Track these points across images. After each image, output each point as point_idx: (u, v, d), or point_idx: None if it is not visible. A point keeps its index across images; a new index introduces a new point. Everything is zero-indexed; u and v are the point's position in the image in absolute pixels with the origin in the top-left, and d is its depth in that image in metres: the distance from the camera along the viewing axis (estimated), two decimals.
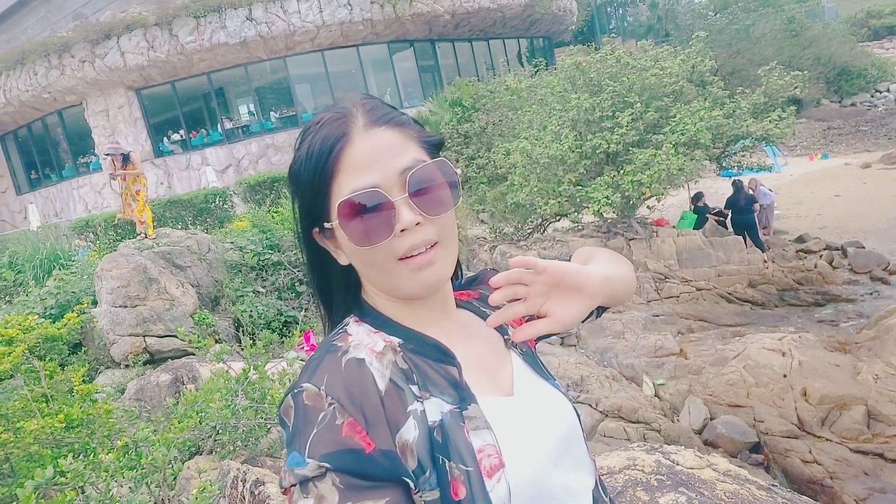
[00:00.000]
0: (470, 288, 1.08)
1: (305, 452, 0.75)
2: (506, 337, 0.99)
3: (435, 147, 0.92)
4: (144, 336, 7.57)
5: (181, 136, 21.12)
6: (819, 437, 6.27)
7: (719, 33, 22.24)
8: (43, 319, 7.21)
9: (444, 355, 0.88)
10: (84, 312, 7.85)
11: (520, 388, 0.94)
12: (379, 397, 0.80)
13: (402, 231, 0.82)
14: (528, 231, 12.88)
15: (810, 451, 6.01)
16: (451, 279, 0.99)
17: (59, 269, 9.13)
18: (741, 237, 11.76)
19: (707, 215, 12.86)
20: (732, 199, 12.49)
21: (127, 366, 7.46)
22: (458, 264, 1.07)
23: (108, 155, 8.95)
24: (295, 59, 20.41)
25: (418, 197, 0.84)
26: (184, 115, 20.98)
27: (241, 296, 8.63)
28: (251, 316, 8.33)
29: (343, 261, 0.90)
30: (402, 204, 0.82)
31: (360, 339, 0.87)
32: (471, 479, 0.79)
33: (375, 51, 21.68)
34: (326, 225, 0.86)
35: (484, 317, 1.00)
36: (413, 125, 0.91)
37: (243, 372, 3.90)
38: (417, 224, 0.83)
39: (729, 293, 10.54)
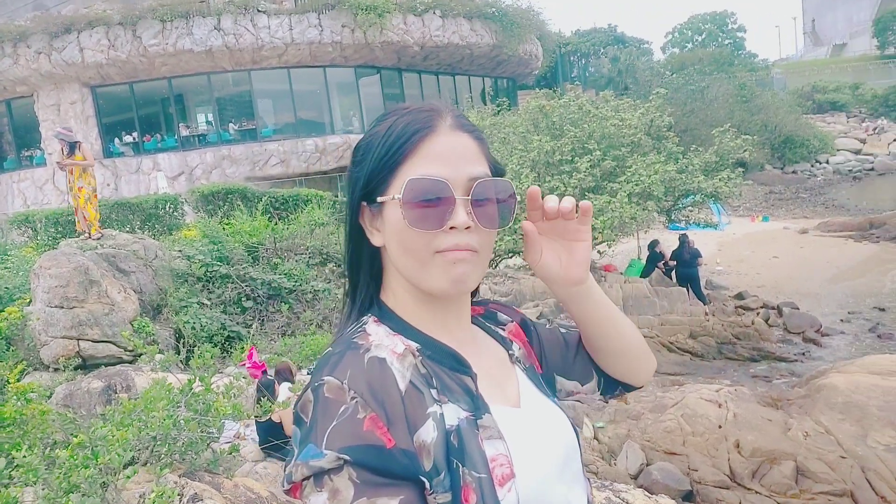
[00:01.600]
0: (485, 307, 1.12)
1: (323, 444, 0.75)
2: (510, 352, 1.03)
3: (499, 173, 0.96)
4: (79, 339, 7.25)
5: (133, 139, 20.60)
6: (749, 489, 6.42)
7: (676, 92, 23.20)
8: None
9: (459, 364, 0.91)
10: (20, 309, 7.50)
11: (526, 401, 0.97)
12: (399, 396, 0.81)
13: (451, 228, 0.85)
14: None
15: (740, 503, 6.16)
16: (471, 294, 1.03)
17: None
18: (685, 289, 12.13)
19: (658, 264, 13.22)
20: (678, 252, 12.90)
21: (56, 369, 7.11)
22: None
23: (56, 137, 8.65)
24: (260, 74, 20.28)
25: (477, 205, 0.87)
26: (139, 117, 20.51)
27: (185, 306, 8.37)
28: (194, 328, 8.08)
29: (377, 241, 0.92)
30: (461, 204, 0.85)
31: (381, 339, 0.88)
32: (483, 486, 0.81)
33: (342, 73, 21.75)
34: (379, 199, 0.88)
35: (489, 332, 1.05)
36: (487, 148, 0.95)
37: (188, 382, 3.77)
38: (467, 228, 0.86)
39: (671, 342, 10.81)
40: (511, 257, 12.94)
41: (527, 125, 11.86)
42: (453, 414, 0.85)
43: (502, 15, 23.18)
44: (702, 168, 11.49)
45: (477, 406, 0.87)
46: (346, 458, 0.74)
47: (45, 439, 3.21)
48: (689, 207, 12.82)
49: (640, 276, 12.73)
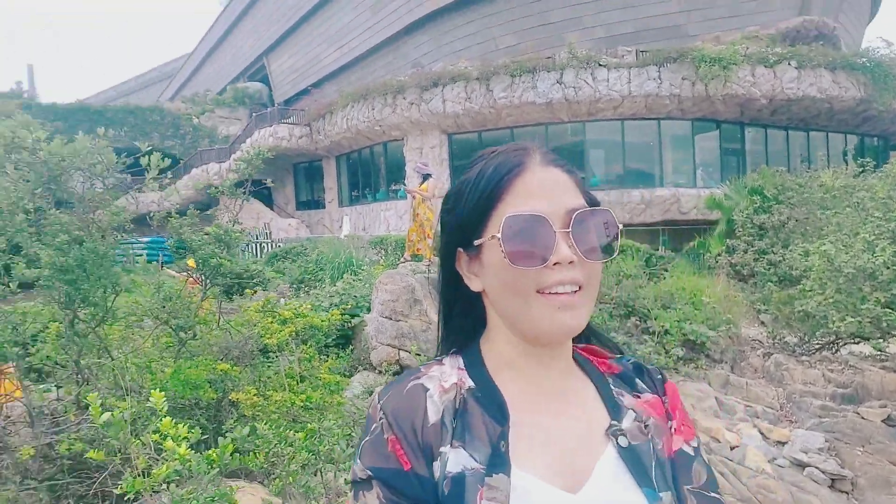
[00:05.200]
0: (624, 366, 0.98)
1: (358, 455, 0.83)
2: (613, 423, 0.88)
3: (594, 205, 0.91)
4: (399, 349, 8.27)
5: None
6: None
7: None
8: (325, 311, 8.29)
9: (499, 413, 0.85)
10: (351, 314, 8.86)
11: (594, 487, 0.83)
12: (421, 426, 0.82)
13: (554, 264, 0.81)
14: (816, 346, 11.29)
15: None
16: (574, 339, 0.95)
17: (350, 274, 10.45)
18: None
19: None
20: None
21: (380, 372, 8.22)
22: (601, 332, 1.04)
23: (415, 170, 10.14)
24: (594, 125, 20.89)
25: (578, 237, 0.83)
26: None
27: None
28: None
29: (475, 287, 0.90)
30: (562, 238, 0.82)
31: (442, 371, 0.90)
32: None
33: (677, 126, 21.20)
34: (476, 242, 0.87)
35: (603, 393, 0.92)
36: (580, 180, 0.92)
37: None
38: (571, 263, 0.82)
39: None
40: (857, 342, 10.99)
41: (890, 191, 10.04)
42: (461, 461, 0.81)
43: (875, 66, 20.15)
44: None
45: (494, 463, 0.80)
46: (370, 473, 0.80)
47: (340, 425, 3.73)
48: None
49: None
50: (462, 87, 20.68)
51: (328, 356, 5.11)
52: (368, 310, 8.99)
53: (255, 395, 3.36)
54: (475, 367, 0.90)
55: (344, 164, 27.57)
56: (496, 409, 0.85)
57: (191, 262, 11.17)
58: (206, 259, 3.47)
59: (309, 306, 5.14)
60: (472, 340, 0.94)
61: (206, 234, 3.73)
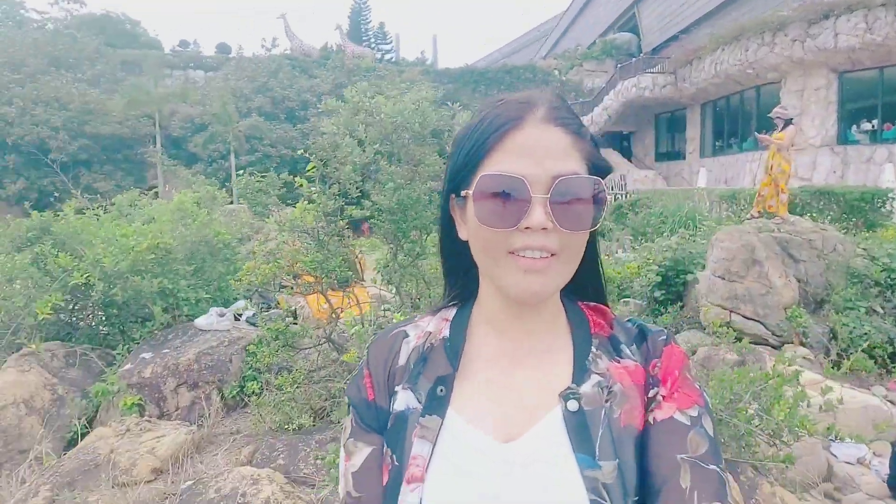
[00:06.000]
0: (620, 329, 0.92)
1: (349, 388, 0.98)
2: (571, 386, 0.84)
3: (600, 171, 0.85)
4: (731, 312, 7.72)
5: (872, 127, 19.20)
6: None
7: None
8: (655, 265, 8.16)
9: (453, 361, 0.89)
10: (683, 271, 8.51)
11: (523, 444, 0.82)
12: (392, 367, 0.91)
13: (525, 228, 0.79)
14: None
15: None
16: (572, 297, 0.94)
17: (689, 229, 10.00)
18: None
19: None
20: None
21: (708, 333, 7.81)
22: (603, 288, 0.98)
23: (773, 116, 9.00)
24: None
25: (558, 205, 0.79)
26: (882, 104, 18.91)
27: (850, 308, 7.72)
28: (852, 333, 7.41)
29: (462, 235, 0.89)
30: (538, 203, 0.78)
31: (430, 321, 0.96)
32: (392, 474, 0.84)
33: None
34: (462, 193, 0.85)
35: (579, 354, 0.88)
36: (588, 141, 0.85)
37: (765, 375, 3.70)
38: (544, 229, 0.79)
39: None
40: None
41: None
42: (406, 401, 0.87)
43: None
44: None
45: (432, 404, 0.85)
46: (348, 400, 0.94)
47: None
48: None
49: None
50: (861, 17, 17.37)
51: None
52: (703, 267, 8.54)
53: None
54: (459, 319, 0.94)
55: (709, 113, 25.79)
56: (453, 357, 0.89)
57: None
58: None
59: (605, 257, 5.17)
60: (474, 296, 0.96)
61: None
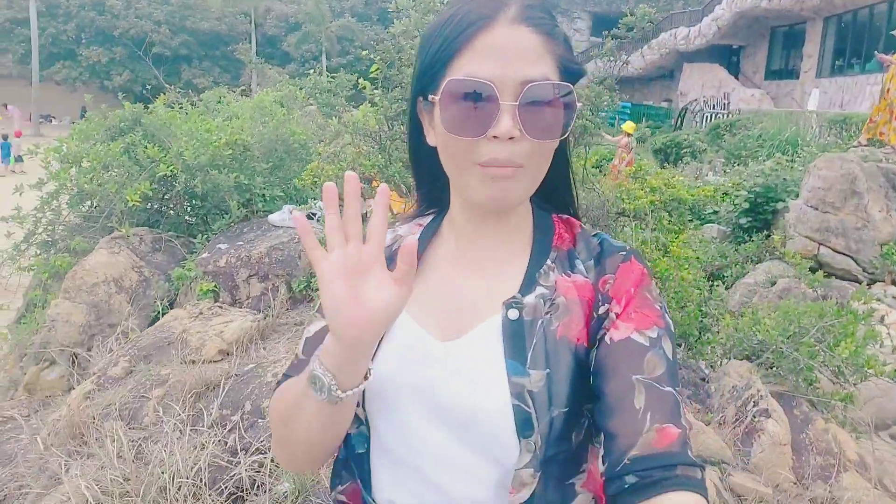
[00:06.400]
0: (582, 243, 0.90)
1: None
2: (515, 295, 0.84)
3: (572, 74, 0.81)
4: (820, 244, 7.30)
5: None
6: None
7: None
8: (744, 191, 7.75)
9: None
10: (774, 198, 8.06)
11: (459, 344, 0.84)
12: None
13: (493, 137, 0.76)
14: None
15: None
16: (547, 207, 0.93)
17: (784, 154, 9.35)
18: None
19: None
20: None
21: (792, 264, 7.44)
22: (573, 199, 0.95)
23: (895, 34, 8.15)
24: None
25: (526, 112, 0.76)
26: None
27: None
28: None
29: (431, 141, 0.86)
30: (507, 110, 0.75)
31: (407, 228, 0.98)
32: None
33: None
34: (430, 97, 0.82)
35: (528, 274, 0.87)
36: (562, 42, 0.80)
37: None
38: (511, 138, 0.76)
39: None
40: None
41: None
42: None
43: None
44: None
45: None
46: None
47: (680, 298, 3.69)
48: None
49: None
50: None
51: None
52: (797, 196, 8.05)
53: None
54: (431, 225, 0.96)
55: (832, 28, 23.42)
56: (407, 258, 0.89)
57: (627, 127, 11.47)
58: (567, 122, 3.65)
59: (681, 178, 4.91)
60: (446, 194, 0.95)
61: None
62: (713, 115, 22.24)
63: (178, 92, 7.80)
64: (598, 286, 0.85)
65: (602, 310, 0.83)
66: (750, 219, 8.32)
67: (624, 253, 0.88)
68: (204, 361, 3.38)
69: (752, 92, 24.61)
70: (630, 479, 0.71)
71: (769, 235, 7.83)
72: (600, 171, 8.74)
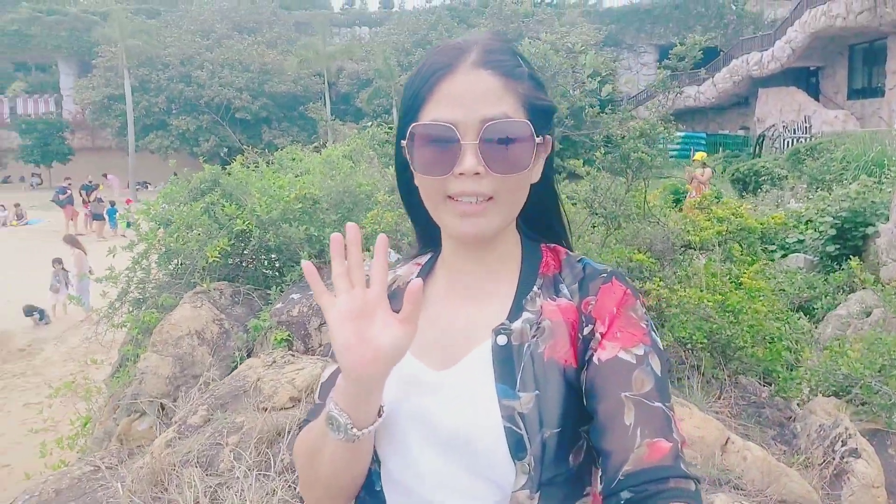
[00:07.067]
0: (567, 268, 0.92)
1: None
2: (504, 322, 0.88)
3: (541, 113, 0.85)
4: None
5: None
6: None
7: None
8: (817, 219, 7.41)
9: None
10: (863, 223, 7.65)
11: (453, 373, 0.88)
12: None
13: (459, 174, 0.82)
14: None
15: None
16: (535, 236, 0.96)
17: (870, 176, 8.86)
18: None
19: None
20: None
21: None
22: (564, 228, 0.99)
23: None
24: None
25: (488, 149, 0.82)
26: None
27: None
28: None
29: (416, 180, 0.92)
30: (469, 149, 0.82)
31: (407, 268, 1.02)
32: None
33: None
34: (403, 143, 0.90)
35: (516, 301, 0.90)
36: (526, 82, 0.85)
37: None
38: (477, 174, 0.82)
39: None
40: None
41: None
42: None
43: None
44: None
45: None
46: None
47: (754, 333, 3.53)
48: None
49: None
50: None
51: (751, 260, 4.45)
52: (887, 219, 7.60)
53: (659, 286, 3.49)
54: (427, 264, 1.01)
55: None
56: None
57: (698, 156, 11.19)
58: (627, 154, 3.63)
59: (748, 207, 4.74)
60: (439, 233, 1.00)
61: (628, 130, 3.86)
62: (794, 140, 21.39)
63: (257, 152, 8.24)
64: (582, 308, 0.88)
65: (587, 330, 0.86)
66: (838, 246, 7.91)
67: (605, 275, 0.91)
68: (276, 408, 3.49)
69: (835, 113, 23.56)
70: (625, 494, 0.73)
71: (860, 263, 7.39)
72: (676, 206, 8.55)
